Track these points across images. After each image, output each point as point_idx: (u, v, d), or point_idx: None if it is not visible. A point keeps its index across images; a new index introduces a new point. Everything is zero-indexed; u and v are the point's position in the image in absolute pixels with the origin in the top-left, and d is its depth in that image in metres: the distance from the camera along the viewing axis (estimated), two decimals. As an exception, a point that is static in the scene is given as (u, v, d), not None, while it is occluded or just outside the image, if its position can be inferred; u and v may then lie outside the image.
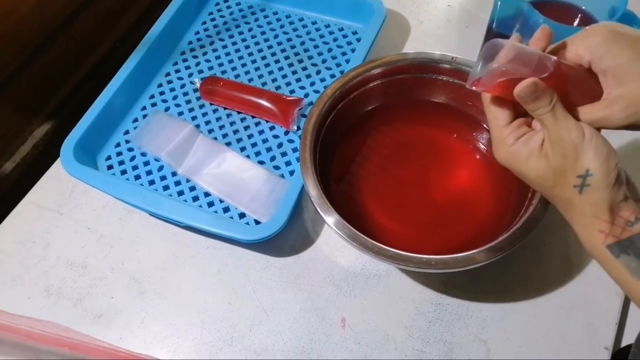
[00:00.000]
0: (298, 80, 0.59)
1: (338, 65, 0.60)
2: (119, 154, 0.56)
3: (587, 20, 0.52)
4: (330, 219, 0.42)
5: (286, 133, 0.56)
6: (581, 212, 0.31)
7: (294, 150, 0.54)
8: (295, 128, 0.55)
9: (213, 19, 0.66)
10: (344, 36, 0.62)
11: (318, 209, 0.42)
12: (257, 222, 0.50)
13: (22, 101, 0.61)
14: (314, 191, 0.43)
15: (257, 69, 0.61)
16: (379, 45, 0.60)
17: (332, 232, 0.48)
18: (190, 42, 0.64)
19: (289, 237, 0.50)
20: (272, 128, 0.56)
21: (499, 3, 0.49)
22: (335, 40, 0.62)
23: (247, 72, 0.61)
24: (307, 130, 0.46)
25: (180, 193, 0.52)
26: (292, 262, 0.49)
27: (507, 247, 0.39)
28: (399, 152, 0.52)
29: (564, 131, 0.30)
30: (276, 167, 0.53)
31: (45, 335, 0.44)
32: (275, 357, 0.45)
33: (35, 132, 0.65)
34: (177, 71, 0.62)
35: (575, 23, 0.53)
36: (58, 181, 0.56)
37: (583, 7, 0.53)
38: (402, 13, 0.66)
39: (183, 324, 0.47)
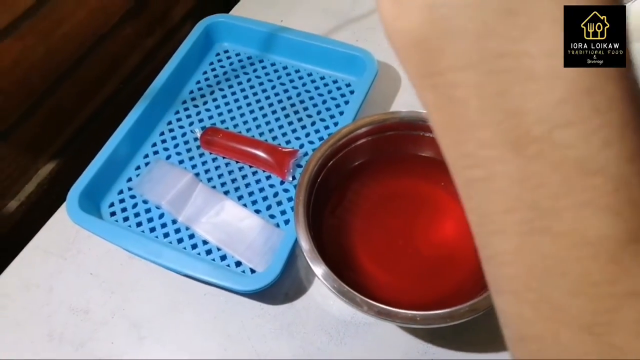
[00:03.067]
0: (294, 130, 0.62)
1: (332, 117, 0.63)
2: (122, 201, 0.59)
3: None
4: (320, 270, 0.44)
5: (282, 183, 0.58)
6: None
7: (289, 199, 0.57)
8: (291, 178, 0.58)
9: (214, 69, 0.69)
10: (338, 88, 0.66)
11: (310, 263, 0.45)
12: (252, 271, 0.52)
13: (29, 142, 0.63)
14: (306, 245, 0.46)
15: (255, 118, 0.64)
16: (372, 98, 0.63)
17: (323, 283, 0.50)
18: (192, 92, 0.67)
19: (283, 285, 0.53)
20: (268, 177, 0.59)
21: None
22: (329, 92, 0.65)
23: (245, 122, 0.64)
24: (300, 186, 0.49)
25: (180, 240, 0.55)
26: (286, 310, 0.52)
27: (484, 307, 0.41)
28: (388, 204, 0.55)
29: None
30: (272, 216, 0.56)
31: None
32: (268, 404, 0.47)
33: (40, 171, 0.67)
34: (179, 120, 0.65)
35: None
36: (62, 226, 0.59)
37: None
38: (393, 65, 0.69)
39: (180, 370, 0.49)
